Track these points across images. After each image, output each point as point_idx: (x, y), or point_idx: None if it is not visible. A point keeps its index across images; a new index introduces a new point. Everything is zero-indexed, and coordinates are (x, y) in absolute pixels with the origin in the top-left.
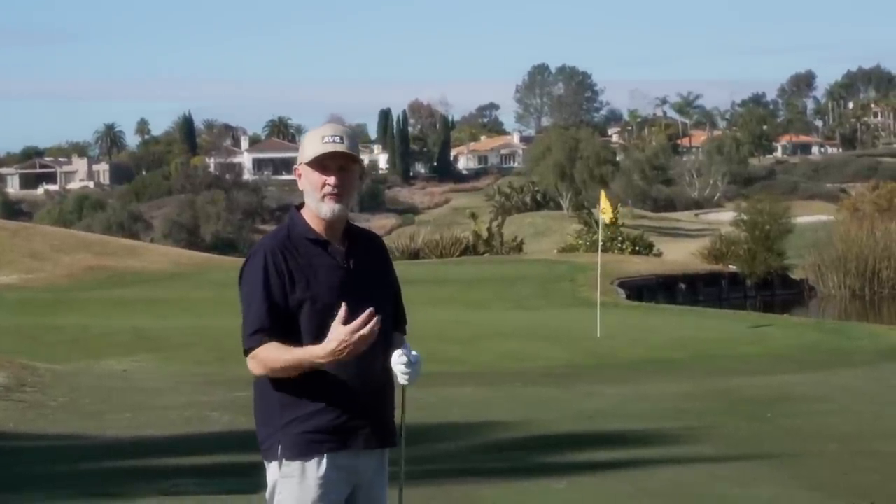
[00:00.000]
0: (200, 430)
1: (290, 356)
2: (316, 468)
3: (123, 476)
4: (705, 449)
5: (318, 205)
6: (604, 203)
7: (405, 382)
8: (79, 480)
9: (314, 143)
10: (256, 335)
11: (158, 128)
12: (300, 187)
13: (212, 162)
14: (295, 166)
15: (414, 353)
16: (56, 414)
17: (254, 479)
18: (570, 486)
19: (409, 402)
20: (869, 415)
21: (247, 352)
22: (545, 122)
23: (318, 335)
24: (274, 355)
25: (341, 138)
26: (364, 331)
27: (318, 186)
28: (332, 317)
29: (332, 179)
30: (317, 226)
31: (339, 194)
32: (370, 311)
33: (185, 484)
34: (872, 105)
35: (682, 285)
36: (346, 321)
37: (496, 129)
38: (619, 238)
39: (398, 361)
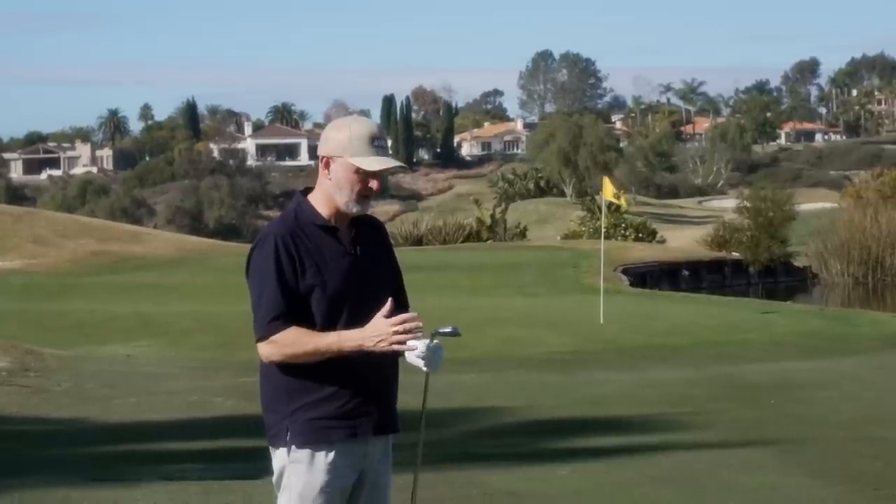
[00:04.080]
0: (204, 415)
1: (318, 341)
2: (325, 455)
3: (127, 461)
4: (708, 435)
5: (349, 203)
6: (608, 188)
7: (430, 370)
8: (82, 465)
9: (362, 144)
10: (275, 322)
11: (162, 113)
12: (326, 177)
13: (215, 148)
14: (324, 154)
15: (436, 341)
16: (60, 399)
17: (258, 464)
18: (573, 472)
19: (412, 387)
20: (872, 401)
21: (263, 338)
22: (549, 108)
23: (328, 321)
24: (299, 340)
25: (385, 140)
26: (402, 327)
27: (357, 187)
28: (342, 303)
29: (375, 184)
30: (325, 212)
31: (372, 195)
32: (415, 315)
33: (189, 469)
34: (876, 92)
35: (686, 272)
36: (389, 315)
37: (500, 115)
38: (623, 225)
39: (416, 353)
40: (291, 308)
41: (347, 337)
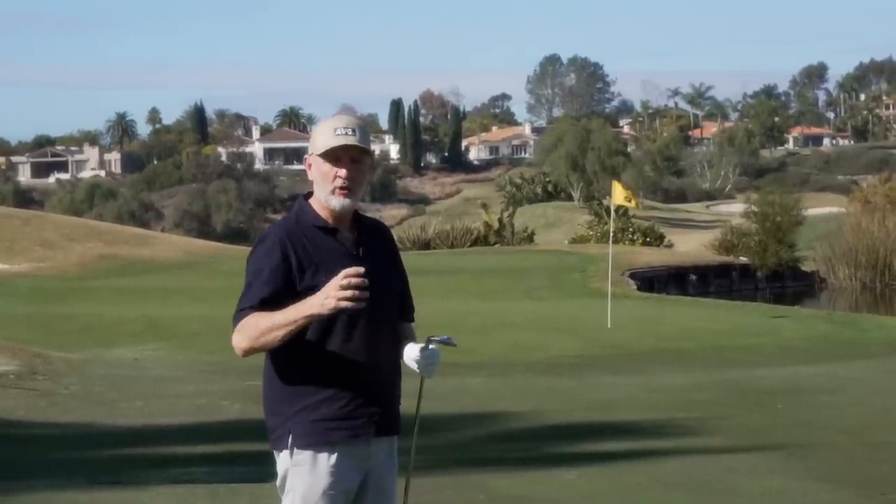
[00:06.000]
0: (212, 419)
1: (276, 316)
2: (327, 457)
3: (135, 464)
4: (716, 440)
5: (328, 197)
6: (617, 192)
7: (426, 374)
8: (90, 468)
9: (326, 135)
10: (243, 311)
11: (170, 117)
12: (310, 178)
13: (223, 151)
14: (305, 156)
15: (432, 346)
16: (67, 402)
17: (265, 468)
18: (581, 477)
19: (416, 391)
20: (879, 406)
21: (233, 328)
22: (557, 112)
23: (328, 321)
24: (260, 320)
25: (353, 131)
26: (345, 282)
27: (330, 179)
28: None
29: (343, 172)
30: (325, 215)
31: (350, 188)
32: (357, 269)
33: (196, 472)
34: (884, 97)
35: (693, 277)
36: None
37: (507, 119)
38: (630, 229)
39: (412, 356)
40: (271, 305)
41: (303, 303)
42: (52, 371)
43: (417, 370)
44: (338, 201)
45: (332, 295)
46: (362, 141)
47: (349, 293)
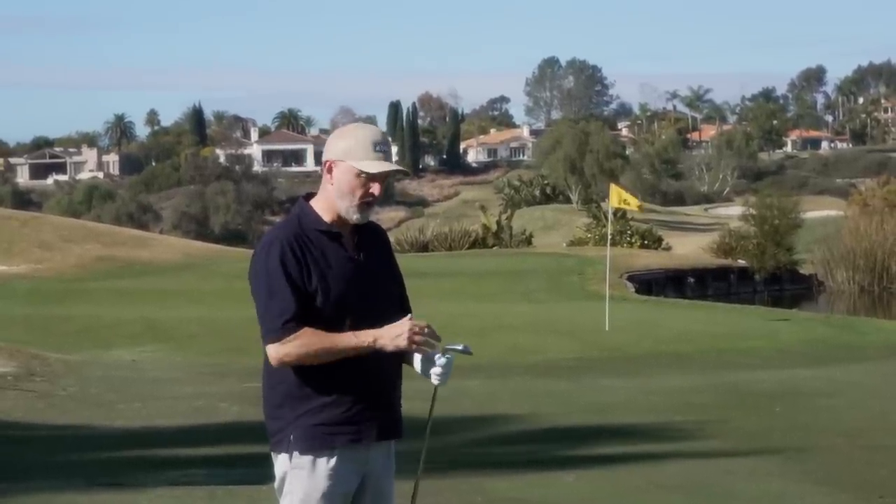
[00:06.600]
0: (210, 421)
1: (334, 339)
2: (326, 461)
3: (133, 466)
4: (714, 443)
5: (349, 209)
6: (615, 194)
7: (436, 382)
8: (88, 470)
9: (366, 148)
10: (289, 324)
11: (168, 118)
12: (329, 182)
13: (221, 153)
14: (328, 159)
15: (448, 356)
16: (65, 404)
17: (263, 470)
18: (579, 479)
19: (417, 394)
20: (877, 410)
21: (277, 340)
22: (555, 115)
23: (330, 325)
24: (315, 338)
25: (389, 146)
26: (424, 331)
27: (359, 192)
28: (344, 307)
29: (376, 189)
30: (328, 218)
31: (374, 202)
32: (435, 332)
33: (194, 474)
34: (882, 100)
35: (691, 279)
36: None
37: (506, 122)
38: (628, 232)
39: (427, 367)
40: (303, 310)
41: (364, 333)
42: (50, 372)
43: (432, 381)
44: (362, 215)
45: (407, 336)
46: (401, 161)
47: (420, 340)
